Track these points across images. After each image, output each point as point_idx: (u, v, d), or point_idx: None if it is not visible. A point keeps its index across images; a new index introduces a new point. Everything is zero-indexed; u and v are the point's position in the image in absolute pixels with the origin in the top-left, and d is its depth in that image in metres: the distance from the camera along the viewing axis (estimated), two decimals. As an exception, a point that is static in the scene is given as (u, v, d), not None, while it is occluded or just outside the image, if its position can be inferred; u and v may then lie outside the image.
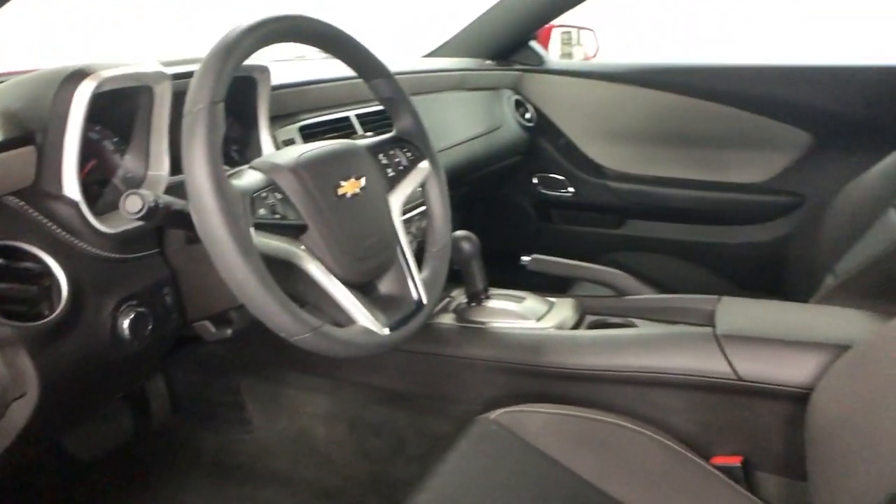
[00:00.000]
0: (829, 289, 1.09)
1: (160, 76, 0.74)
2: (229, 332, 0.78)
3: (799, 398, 0.80)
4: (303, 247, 0.69)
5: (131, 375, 0.85)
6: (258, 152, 0.93)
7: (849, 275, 1.05)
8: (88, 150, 0.71)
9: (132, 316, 0.71)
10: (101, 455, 1.21)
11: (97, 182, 0.77)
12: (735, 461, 0.88)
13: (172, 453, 1.30)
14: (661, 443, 0.85)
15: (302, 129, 1.05)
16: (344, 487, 1.19)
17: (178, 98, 0.78)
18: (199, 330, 0.78)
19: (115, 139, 0.79)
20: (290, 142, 1.01)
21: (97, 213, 0.70)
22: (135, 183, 0.78)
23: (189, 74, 0.79)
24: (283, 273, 0.66)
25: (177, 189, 0.78)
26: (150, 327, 0.73)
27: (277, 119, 1.00)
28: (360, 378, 1.17)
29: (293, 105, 1.06)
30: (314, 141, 1.05)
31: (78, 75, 0.67)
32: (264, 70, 0.89)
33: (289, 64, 1.28)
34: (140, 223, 0.63)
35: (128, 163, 0.79)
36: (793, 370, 0.83)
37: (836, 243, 1.29)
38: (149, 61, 0.75)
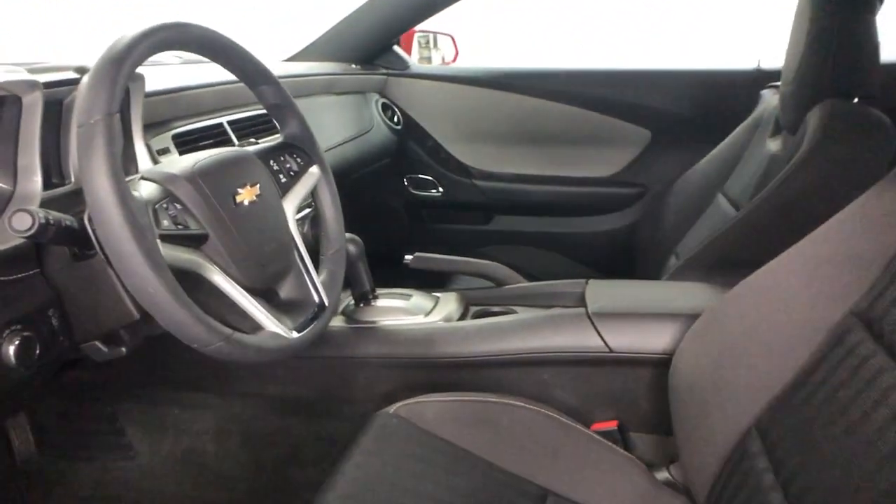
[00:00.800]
0: (674, 268, 1.25)
1: (31, 85, 0.69)
2: (124, 350, 0.75)
3: (662, 363, 0.90)
4: (205, 256, 0.68)
5: (12, 406, 0.79)
6: (133, 163, 0.89)
7: (690, 254, 1.20)
8: None
9: (17, 342, 0.66)
10: None
11: None
12: (612, 425, 0.98)
13: (43, 490, 1.20)
14: (547, 416, 0.91)
15: (175, 136, 1.01)
16: (241, 501, 1.17)
17: (49, 108, 0.74)
18: (89, 351, 0.74)
19: None
20: (164, 150, 0.97)
21: None
22: (2, 200, 0.72)
23: (60, 83, 0.75)
24: (186, 284, 0.65)
25: (52, 204, 0.73)
26: (37, 352, 0.68)
27: (150, 127, 0.96)
28: (250, 389, 1.15)
29: (166, 112, 1.02)
30: (188, 148, 1.02)
31: None
32: (138, 78, 0.86)
33: (153, 69, 1.22)
34: (19, 242, 0.59)
35: None
36: (655, 339, 0.93)
37: (675, 227, 1.47)
38: (15, 69, 0.70)
